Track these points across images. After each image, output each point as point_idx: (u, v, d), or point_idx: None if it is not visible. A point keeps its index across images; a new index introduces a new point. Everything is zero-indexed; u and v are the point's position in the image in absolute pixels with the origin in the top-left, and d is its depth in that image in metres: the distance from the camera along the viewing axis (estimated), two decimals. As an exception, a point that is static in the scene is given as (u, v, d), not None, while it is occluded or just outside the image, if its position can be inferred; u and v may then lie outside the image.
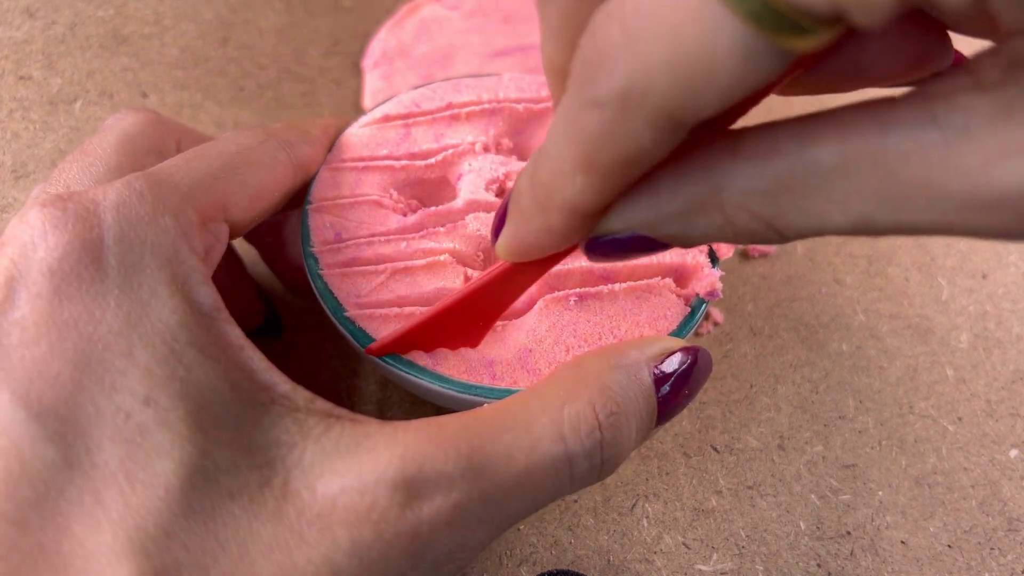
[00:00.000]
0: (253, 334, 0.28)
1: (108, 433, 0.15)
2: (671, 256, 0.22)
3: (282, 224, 0.26)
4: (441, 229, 0.22)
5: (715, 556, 0.26)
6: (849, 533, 0.26)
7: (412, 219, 0.22)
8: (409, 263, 0.21)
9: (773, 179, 0.13)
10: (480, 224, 0.22)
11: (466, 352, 0.20)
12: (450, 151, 0.23)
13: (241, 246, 0.28)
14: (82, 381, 0.15)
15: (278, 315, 0.28)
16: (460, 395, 0.20)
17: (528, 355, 0.21)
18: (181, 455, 0.15)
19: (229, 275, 0.26)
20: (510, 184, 0.22)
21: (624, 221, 0.15)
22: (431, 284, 0.21)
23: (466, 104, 0.24)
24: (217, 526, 0.14)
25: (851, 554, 0.26)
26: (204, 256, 0.18)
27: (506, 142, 0.24)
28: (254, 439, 0.15)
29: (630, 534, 0.26)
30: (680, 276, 0.23)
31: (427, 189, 0.23)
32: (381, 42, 0.37)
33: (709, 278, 0.22)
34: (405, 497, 0.15)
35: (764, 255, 0.32)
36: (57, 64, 0.35)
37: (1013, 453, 0.28)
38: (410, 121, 0.24)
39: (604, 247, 0.16)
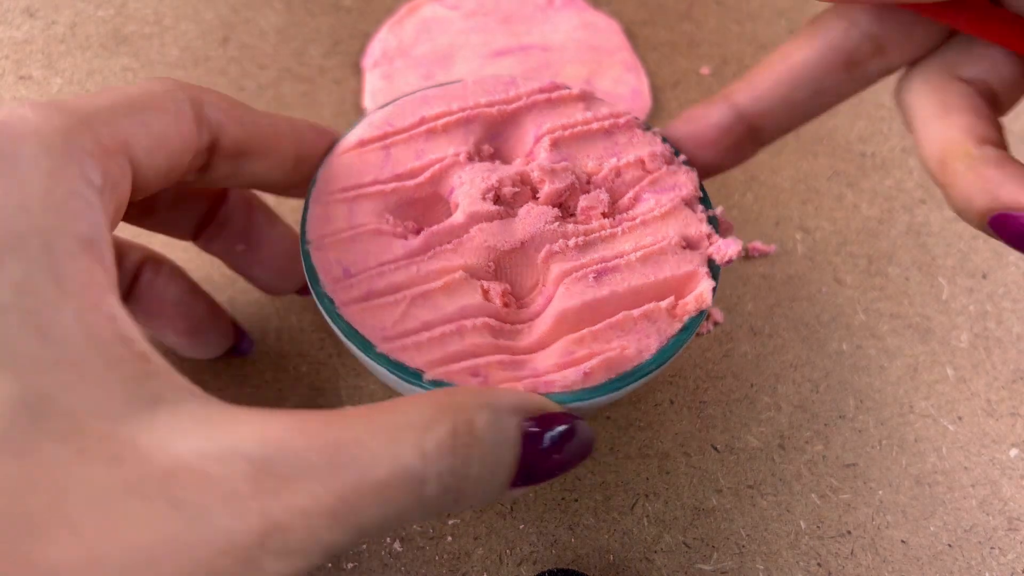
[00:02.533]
0: (225, 354, 0.28)
1: None
2: (673, 229, 0.22)
3: (250, 229, 0.25)
4: (448, 246, 0.21)
5: (716, 555, 0.26)
6: (849, 532, 0.26)
7: (417, 241, 0.22)
8: (426, 287, 0.21)
9: None
10: (486, 236, 0.21)
11: (503, 364, 0.20)
12: (436, 166, 0.22)
13: (201, 271, 0.28)
14: None
15: (245, 332, 0.29)
16: None
17: (567, 344, 0.20)
18: (10, 388, 0.13)
19: (202, 304, 0.26)
20: (505, 190, 0.22)
21: None
22: (452, 304, 0.21)
23: (439, 116, 0.23)
24: (30, 465, 0.13)
25: (851, 553, 0.26)
26: (101, 185, 0.16)
27: (487, 148, 0.23)
28: (101, 389, 0.14)
29: (630, 533, 0.26)
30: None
31: (420, 208, 0.23)
32: (381, 42, 0.37)
33: (731, 246, 0.22)
34: (262, 476, 0.14)
35: (764, 255, 0.32)
36: (57, 64, 0.35)
37: (1013, 452, 0.28)
38: (387, 142, 0.23)
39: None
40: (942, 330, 0.31)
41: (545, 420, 0.17)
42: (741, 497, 0.27)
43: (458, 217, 0.22)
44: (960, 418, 0.29)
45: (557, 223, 0.22)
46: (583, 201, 0.22)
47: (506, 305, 0.21)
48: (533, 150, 0.23)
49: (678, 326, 0.21)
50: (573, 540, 0.26)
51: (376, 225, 0.22)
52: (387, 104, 0.24)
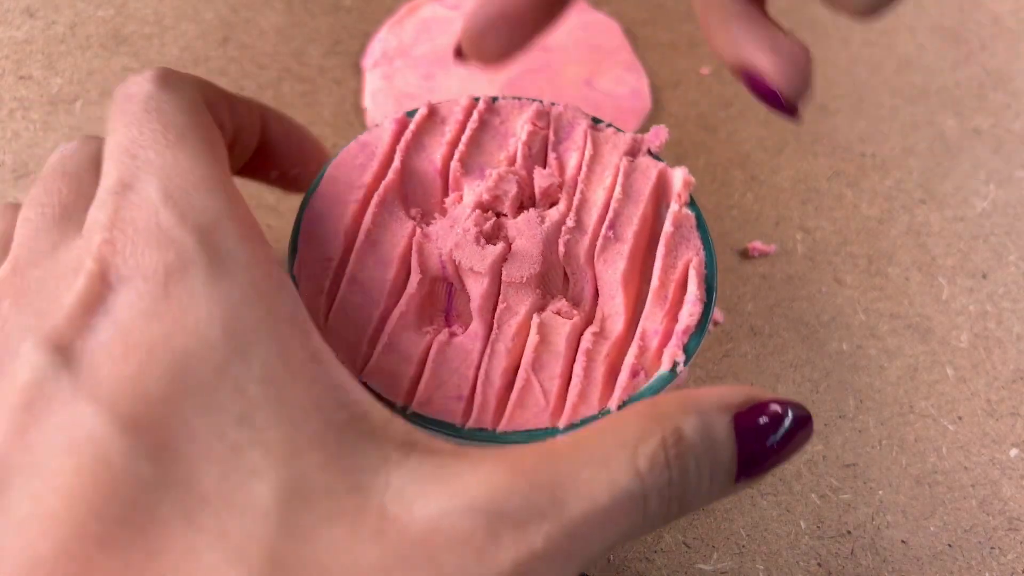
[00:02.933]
0: None
1: (201, 452, 0.14)
2: (613, 154, 0.23)
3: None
4: (502, 307, 0.21)
5: (715, 555, 0.26)
6: (849, 532, 0.26)
7: (476, 325, 0.21)
8: (529, 355, 0.20)
9: None
10: (517, 272, 0.21)
11: (642, 350, 0.20)
12: (412, 258, 0.21)
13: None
14: (173, 397, 0.14)
15: None
16: None
17: (656, 295, 0.21)
18: (278, 476, 0.14)
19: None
20: (486, 228, 0.21)
21: None
22: (557, 349, 0.20)
23: (358, 217, 0.22)
24: (320, 550, 0.14)
25: (851, 553, 0.26)
26: (271, 252, 0.17)
27: (414, 211, 0.22)
28: (342, 461, 0.15)
29: (630, 533, 0.26)
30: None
31: (431, 300, 0.22)
32: (381, 42, 0.37)
33: (659, 134, 0.23)
34: (499, 525, 0.14)
35: (764, 255, 0.32)
36: (57, 64, 0.35)
37: (1013, 452, 0.28)
38: (348, 276, 0.21)
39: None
40: (942, 330, 0.31)
41: (756, 411, 0.17)
42: (741, 497, 0.27)
43: (480, 281, 0.21)
44: (960, 418, 0.29)
45: (546, 220, 0.21)
46: (537, 185, 0.22)
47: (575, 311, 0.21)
48: (448, 184, 0.23)
49: (691, 215, 0.22)
50: (573, 540, 0.26)
51: (434, 340, 0.21)
52: (293, 253, 0.22)
